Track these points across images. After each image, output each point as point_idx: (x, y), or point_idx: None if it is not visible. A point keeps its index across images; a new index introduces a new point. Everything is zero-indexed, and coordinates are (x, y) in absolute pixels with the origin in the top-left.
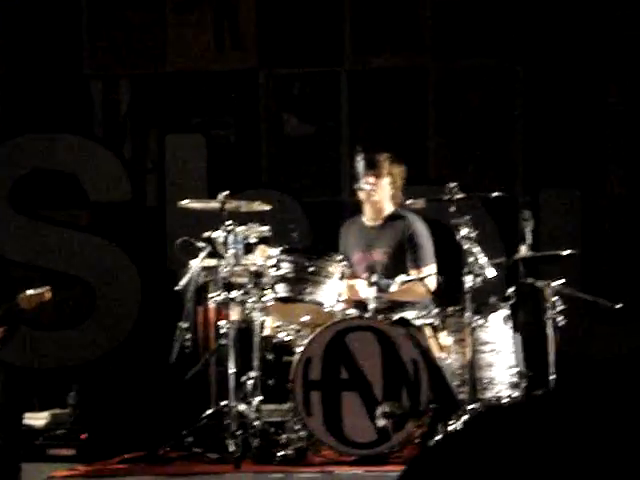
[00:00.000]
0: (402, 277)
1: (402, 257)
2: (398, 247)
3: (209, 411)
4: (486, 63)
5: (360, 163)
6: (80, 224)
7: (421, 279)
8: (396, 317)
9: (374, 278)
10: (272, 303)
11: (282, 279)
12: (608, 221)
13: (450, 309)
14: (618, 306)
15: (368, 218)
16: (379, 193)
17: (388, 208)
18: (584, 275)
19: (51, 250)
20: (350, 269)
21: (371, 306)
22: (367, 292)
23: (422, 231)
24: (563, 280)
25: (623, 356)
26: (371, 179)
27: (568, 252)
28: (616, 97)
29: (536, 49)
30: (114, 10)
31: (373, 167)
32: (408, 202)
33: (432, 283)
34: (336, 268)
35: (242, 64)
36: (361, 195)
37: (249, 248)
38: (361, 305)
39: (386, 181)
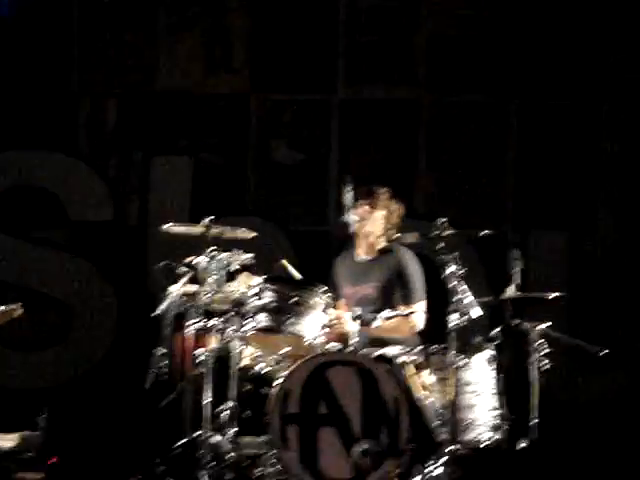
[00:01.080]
0: (386, 312)
1: (392, 292)
2: (388, 282)
3: (183, 441)
4: (479, 99)
5: (349, 194)
6: (59, 243)
7: (405, 315)
8: (378, 353)
9: (358, 311)
10: (252, 333)
11: (264, 309)
12: (597, 265)
13: (434, 347)
14: (603, 352)
15: (360, 252)
16: (371, 224)
17: (380, 243)
18: (570, 319)
19: (28, 269)
20: (335, 301)
21: (353, 340)
22: (352, 325)
23: (413, 267)
24: (549, 323)
25: (606, 402)
26: (366, 207)
27: (555, 295)
28: (610, 141)
29: (530, 87)
30: (106, 28)
31: (369, 197)
32: (401, 235)
33: (420, 321)
34: (320, 300)
35: (233, 88)
36: (353, 227)
37: (231, 275)
38: (344, 339)
39: (380, 214)
